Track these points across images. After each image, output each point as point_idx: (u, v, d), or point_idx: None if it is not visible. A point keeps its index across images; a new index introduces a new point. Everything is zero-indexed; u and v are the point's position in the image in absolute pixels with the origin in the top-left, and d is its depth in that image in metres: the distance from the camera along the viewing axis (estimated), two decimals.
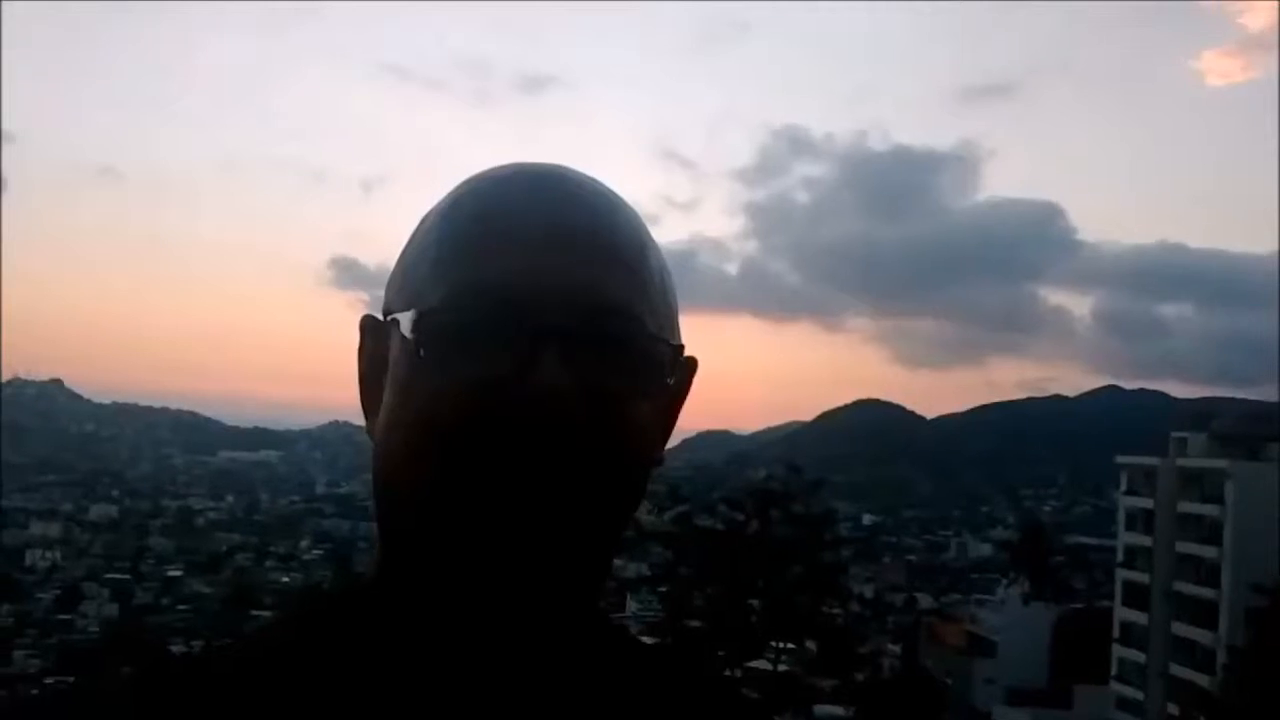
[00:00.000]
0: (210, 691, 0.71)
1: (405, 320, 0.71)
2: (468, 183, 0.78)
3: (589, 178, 0.78)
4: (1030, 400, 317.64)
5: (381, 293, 0.78)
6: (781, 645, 31.45)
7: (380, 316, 0.79)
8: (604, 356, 0.70)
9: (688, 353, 0.77)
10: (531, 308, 0.69)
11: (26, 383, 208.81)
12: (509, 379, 0.68)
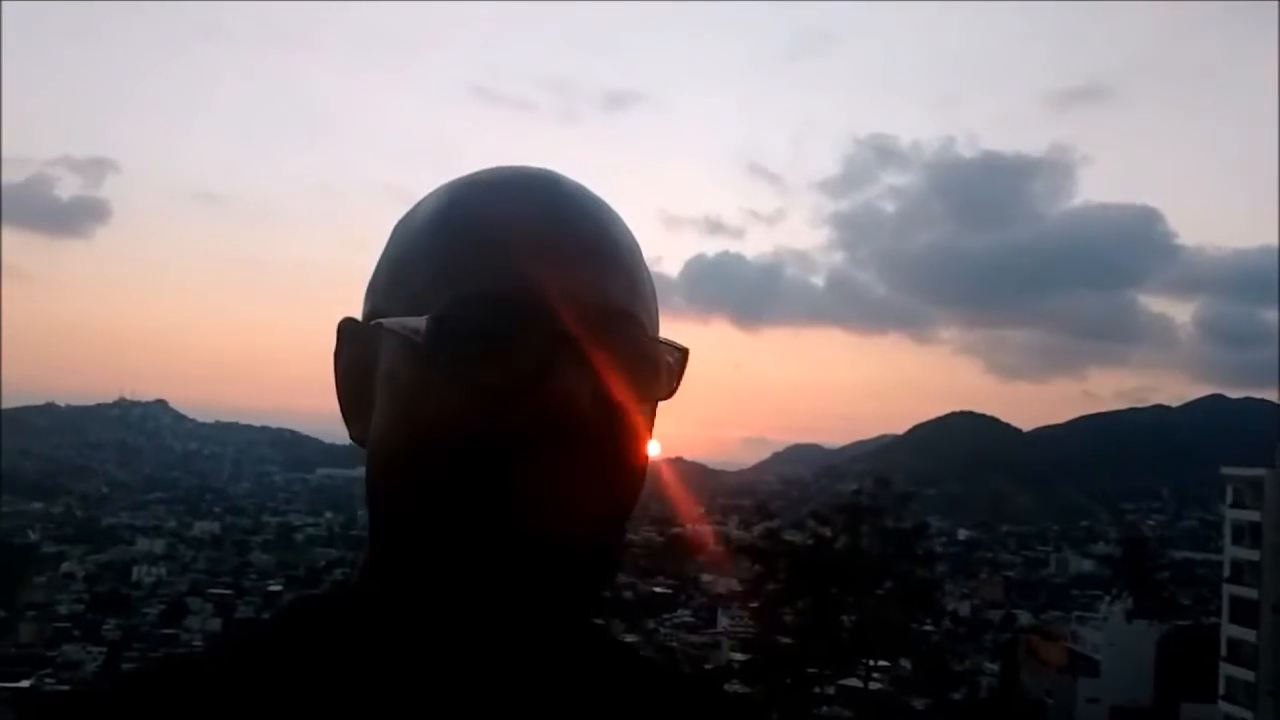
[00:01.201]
0: (191, 693, 0.70)
1: (411, 324, 0.70)
2: (455, 187, 0.78)
3: (576, 182, 0.78)
4: (1131, 410, 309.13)
5: None
6: (874, 662, 31.01)
7: (358, 320, 0.79)
8: (612, 362, 0.70)
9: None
10: (546, 314, 0.69)
11: (132, 403, 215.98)
12: (527, 385, 0.68)
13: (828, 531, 31.37)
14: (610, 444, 0.70)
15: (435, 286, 0.71)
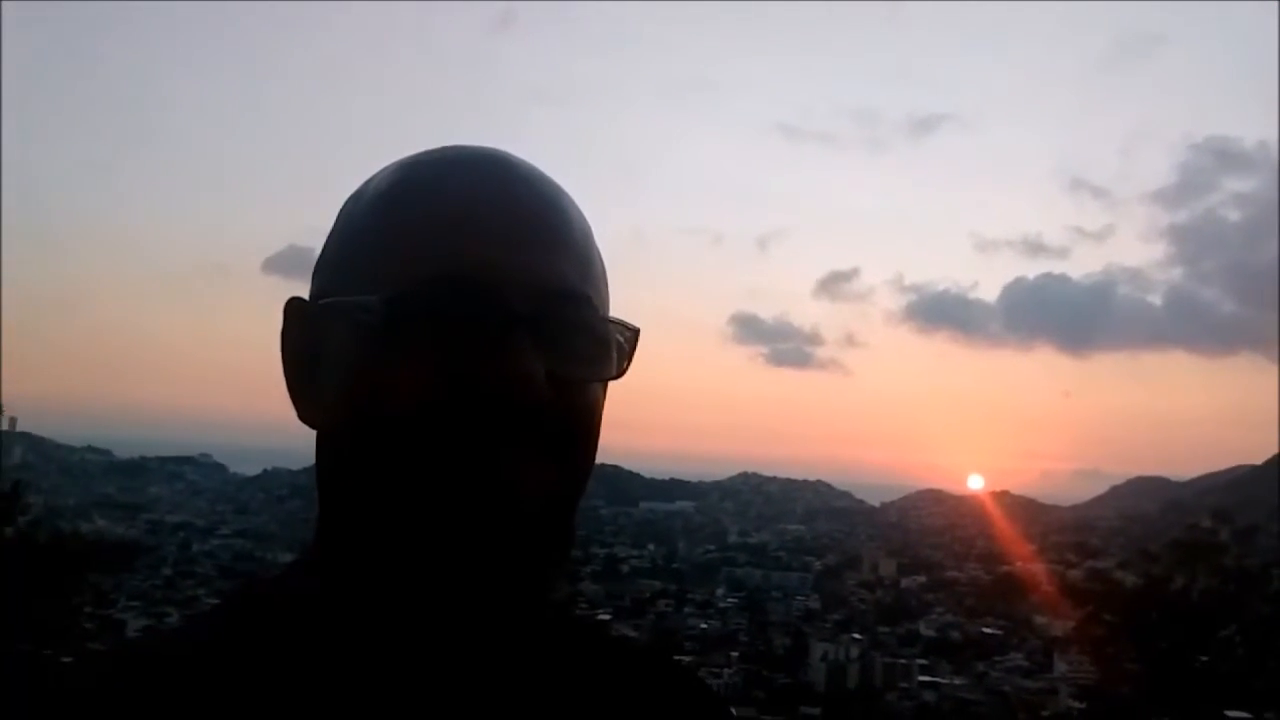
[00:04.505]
0: (145, 679, 0.69)
1: (363, 304, 0.70)
2: (406, 165, 0.77)
3: (528, 162, 0.77)
4: None
5: None
6: (1231, 714, 28.70)
7: (306, 300, 0.78)
8: (565, 342, 0.71)
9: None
10: (500, 295, 0.69)
11: None
12: (482, 365, 0.68)
13: (1158, 570, 29.46)
14: (564, 424, 0.71)
15: (386, 266, 0.71)
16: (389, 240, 0.72)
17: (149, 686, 0.68)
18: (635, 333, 0.76)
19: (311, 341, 0.75)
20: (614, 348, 0.75)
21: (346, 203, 0.79)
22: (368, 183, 0.79)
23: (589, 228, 0.78)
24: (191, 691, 0.68)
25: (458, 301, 0.69)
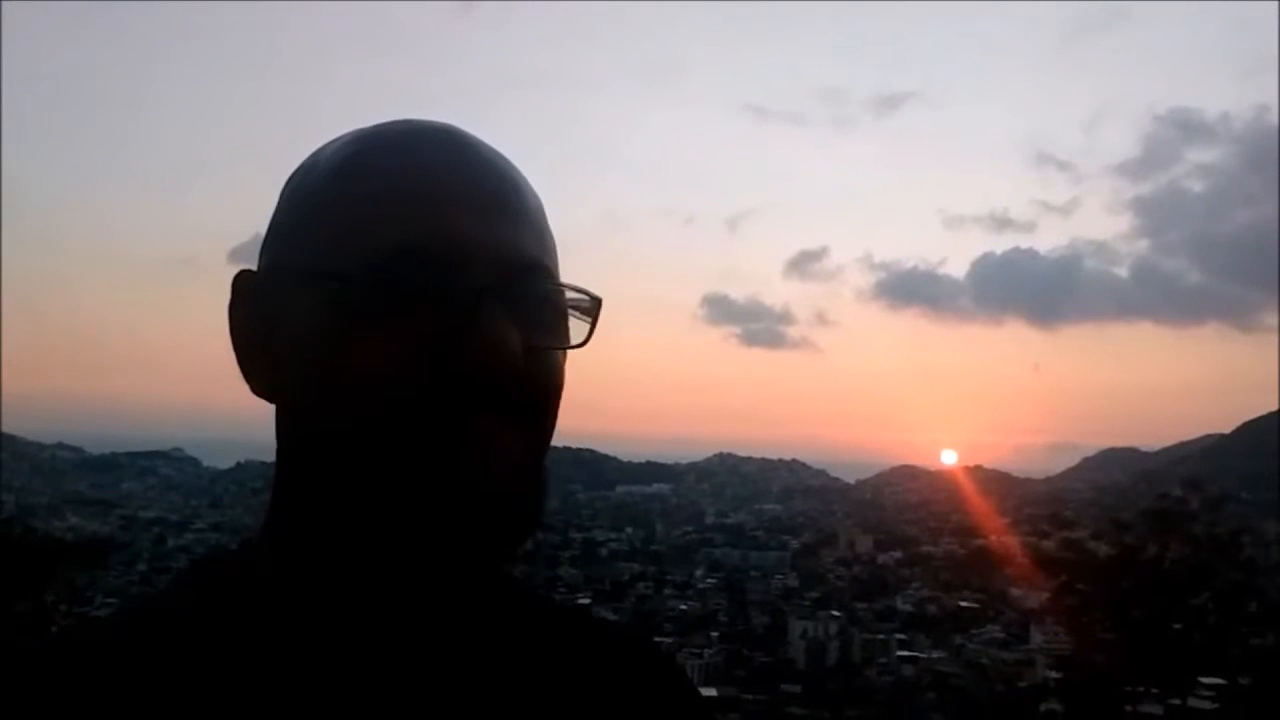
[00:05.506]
0: (93, 663, 0.67)
1: (338, 274, 0.69)
2: (359, 139, 0.76)
3: (477, 136, 0.77)
4: None
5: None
6: (1206, 679, 29.02)
7: (256, 272, 0.77)
8: (531, 313, 0.71)
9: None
10: (467, 267, 0.69)
11: None
12: (455, 337, 0.68)
13: (1131, 540, 29.72)
14: (533, 394, 0.71)
15: (349, 238, 0.70)
16: (349, 212, 0.71)
17: (94, 669, 0.67)
18: (598, 301, 0.75)
19: (267, 314, 0.74)
20: (570, 315, 0.75)
21: (294, 175, 0.78)
22: (318, 155, 0.77)
23: (541, 200, 0.78)
24: (138, 673, 0.67)
25: (428, 273, 0.68)
